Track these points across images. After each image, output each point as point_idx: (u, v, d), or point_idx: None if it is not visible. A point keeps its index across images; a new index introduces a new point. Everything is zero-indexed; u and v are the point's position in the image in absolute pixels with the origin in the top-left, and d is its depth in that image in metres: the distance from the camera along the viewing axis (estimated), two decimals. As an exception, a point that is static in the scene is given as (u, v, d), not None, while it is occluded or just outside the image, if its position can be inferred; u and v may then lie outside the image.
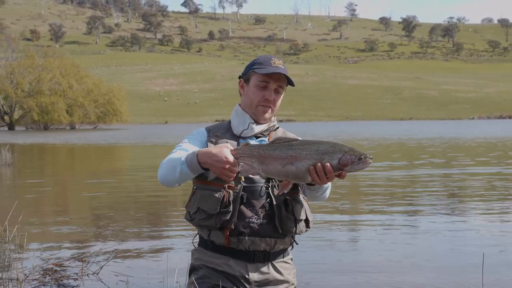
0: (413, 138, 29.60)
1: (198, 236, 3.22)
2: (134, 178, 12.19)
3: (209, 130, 3.20)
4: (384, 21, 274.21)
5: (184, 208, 3.14)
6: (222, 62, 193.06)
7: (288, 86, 3.21)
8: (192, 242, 3.28)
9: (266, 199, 3.04)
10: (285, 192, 2.91)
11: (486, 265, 3.87)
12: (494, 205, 7.54)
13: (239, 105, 3.24)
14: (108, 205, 7.92)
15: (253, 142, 3.13)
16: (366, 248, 5.09)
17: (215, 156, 2.77)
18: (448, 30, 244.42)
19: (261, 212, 3.03)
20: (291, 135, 3.25)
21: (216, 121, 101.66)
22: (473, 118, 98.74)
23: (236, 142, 3.10)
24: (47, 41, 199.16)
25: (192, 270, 3.15)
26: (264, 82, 3.10)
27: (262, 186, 3.04)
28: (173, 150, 3.08)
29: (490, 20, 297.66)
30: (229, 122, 3.24)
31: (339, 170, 2.69)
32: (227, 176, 2.80)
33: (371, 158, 2.68)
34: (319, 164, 2.72)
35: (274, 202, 3.04)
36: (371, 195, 8.70)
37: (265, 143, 2.99)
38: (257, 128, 3.15)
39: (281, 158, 2.75)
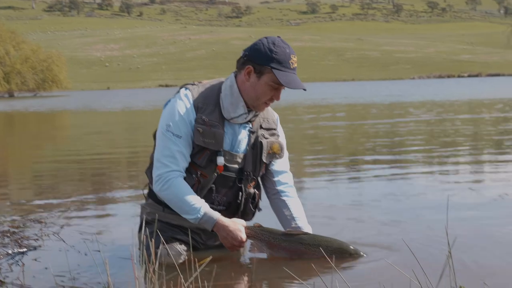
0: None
1: (148, 188, 3.19)
2: (77, 143, 11.90)
3: (197, 108, 3.00)
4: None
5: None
6: (164, 26, 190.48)
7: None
8: (143, 193, 3.30)
9: (236, 190, 3.07)
10: None
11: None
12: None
13: (237, 83, 3.05)
14: (54, 171, 7.65)
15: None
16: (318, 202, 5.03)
17: (231, 233, 2.91)
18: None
19: (226, 199, 3.07)
20: (272, 113, 3.25)
21: (159, 86, 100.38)
22: (413, 78, 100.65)
23: (222, 132, 2.98)
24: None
25: (145, 224, 3.09)
26: (278, 85, 2.99)
27: (235, 178, 3.06)
28: (163, 143, 2.96)
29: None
30: (218, 96, 3.04)
31: None
32: (234, 250, 3.00)
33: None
34: None
35: (244, 195, 3.09)
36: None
37: (279, 231, 3.06)
38: (248, 118, 3.07)
39: (290, 250, 3.00)
